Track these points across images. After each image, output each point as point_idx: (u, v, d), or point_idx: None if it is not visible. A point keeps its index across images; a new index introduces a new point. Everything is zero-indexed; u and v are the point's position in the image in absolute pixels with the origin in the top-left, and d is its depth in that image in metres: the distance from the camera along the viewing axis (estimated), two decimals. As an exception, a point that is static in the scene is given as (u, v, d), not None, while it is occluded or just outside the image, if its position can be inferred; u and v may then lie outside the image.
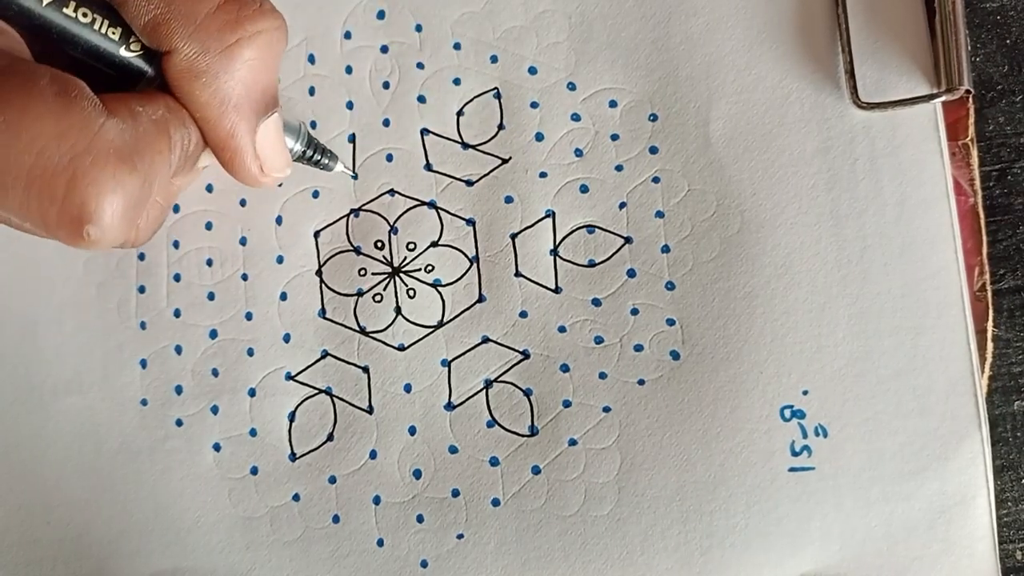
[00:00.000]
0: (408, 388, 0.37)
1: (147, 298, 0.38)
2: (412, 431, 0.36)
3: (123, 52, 0.29)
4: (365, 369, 0.37)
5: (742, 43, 0.36)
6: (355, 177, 0.37)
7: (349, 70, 0.38)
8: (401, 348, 0.37)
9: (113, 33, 0.29)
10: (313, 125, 0.38)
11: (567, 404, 0.36)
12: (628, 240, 0.36)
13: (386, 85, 0.38)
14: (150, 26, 0.28)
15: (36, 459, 0.38)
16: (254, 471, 0.37)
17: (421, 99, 0.38)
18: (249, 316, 0.38)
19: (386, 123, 0.38)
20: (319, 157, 0.35)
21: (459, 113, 0.37)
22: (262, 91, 0.30)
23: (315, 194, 0.38)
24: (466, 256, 0.37)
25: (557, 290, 0.36)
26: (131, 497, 0.37)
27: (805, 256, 0.35)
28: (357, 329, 0.37)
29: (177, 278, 0.38)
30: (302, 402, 0.37)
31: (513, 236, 0.37)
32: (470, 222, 0.37)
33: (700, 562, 0.35)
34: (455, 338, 0.37)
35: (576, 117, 0.37)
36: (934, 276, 0.35)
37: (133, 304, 0.38)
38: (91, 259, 0.39)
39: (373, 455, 0.37)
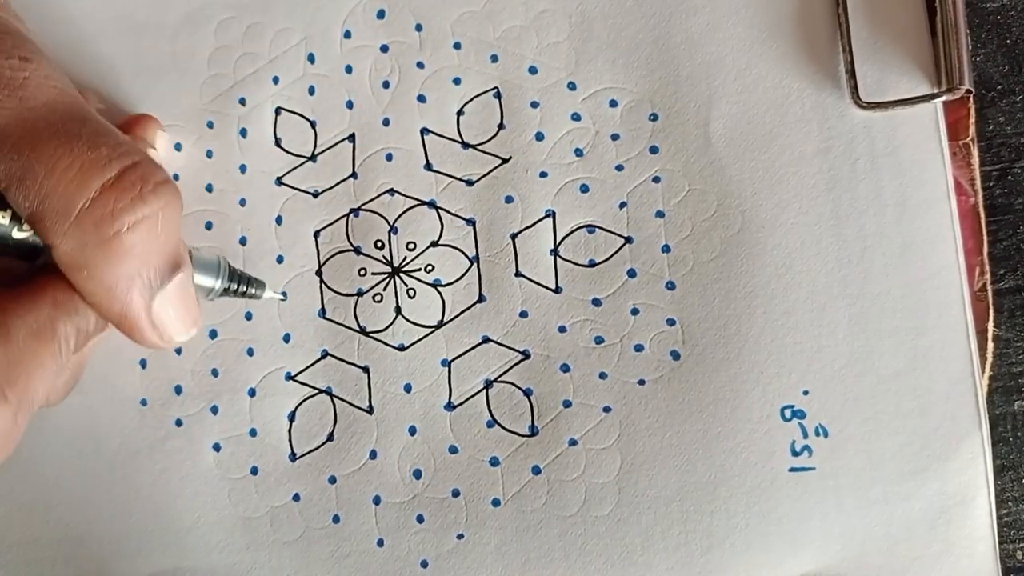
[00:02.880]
0: (408, 388, 0.37)
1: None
2: (412, 431, 0.36)
3: (16, 234, 0.28)
4: (365, 369, 0.37)
5: (743, 42, 0.36)
6: (284, 298, 0.37)
7: (349, 69, 0.38)
8: (401, 348, 0.37)
9: (3, 218, 0.28)
10: (312, 125, 0.38)
11: (567, 404, 0.36)
12: (628, 240, 0.36)
13: (386, 84, 0.38)
14: (30, 221, 0.28)
15: (36, 459, 0.38)
16: (254, 471, 0.37)
17: (421, 99, 0.38)
18: (249, 316, 0.38)
19: (386, 123, 0.38)
20: (245, 288, 0.35)
21: (459, 113, 0.37)
22: (155, 266, 0.29)
23: (315, 194, 0.38)
24: (466, 256, 0.37)
25: (557, 290, 0.36)
26: (131, 497, 0.37)
27: (806, 256, 0.35)
28: (357, 329, 0.37)
29: (177, 278, 0.38)
30: (302, 402, 0.37)
31: (513, 236, 0.37)
32: (470, 222, 0.37)
33: (700, 562, 0.35)
34: (455, 338, 0.37)
35: (576, 117, 0.37)
36: (935, 276, 0.35)
37: (133, 304, 0.38)
38: (90, 259, 0.38)
39: (373, 455, 0.37)
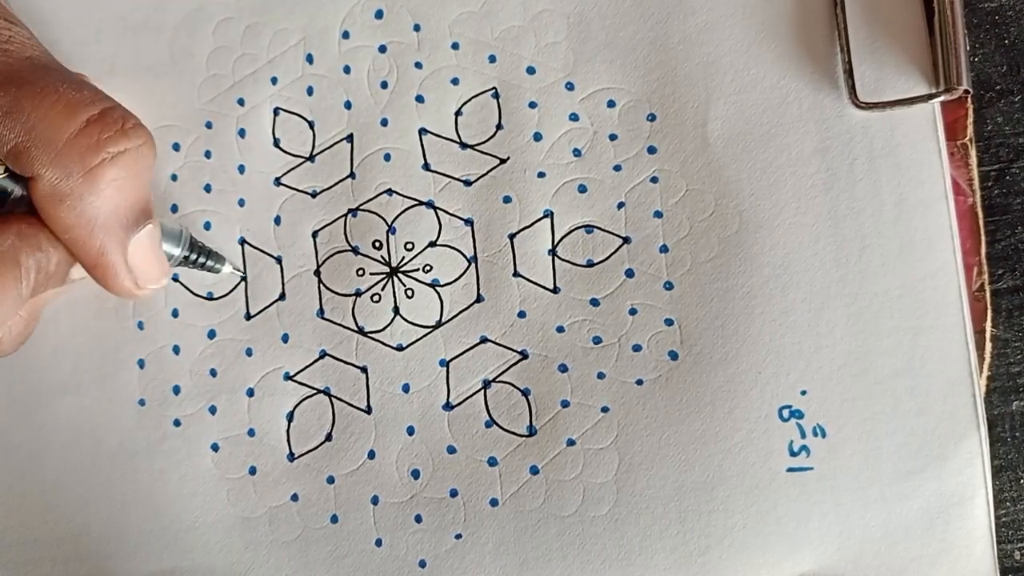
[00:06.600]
0: (406, 388, 0.37)
1: (145, 298, 0.38)
2: (410, 431, 0.36)
3: None
4: (363, 369, 0.37)
5: (740, 43, 0.36)
6: (244, 278, 0.37)
7: (347, 70, 0.38)
8: (399, 348, 0.37)
9: None
10: (311, 125, 0.38)
11: (565, 404, 0.36)
12: (626, 240, 0.36)
13: (384, 85, 0.38)
14: (12, 154, 0.29)
15: (34, 459, 0.38)
16: (252, 471, 0.37)
17: (419, 99, 0.38)
18: (248, 316, 0.38)
19: (384, 123, 0.38)
20: (204, 260, 0.35)
21: (457, 113, 0.37)
22: (131, 207, 0.31)
23: (313, 194, 0.38)
24: (464, 256, 0.37)
25: (555, 290, 0.36)
26: (129, 497, 0.37)
27: (803, 256, 0.35)
28: (355, 329, 0.37)
29: (175, 278, 0.38)
30: (300, 402, 0.37)
31: (511, 236, 0.37)
32: (468, 222, 0.37)
33: (699, 562, 0.35)
34: (453, 338, 0.37)
35: (574, 117, 0.37)
36: (932, 276, 0.35)
37: (131, 304, 0.38)
38: (89, 259, 0.39)
39: (371, 455, 0.37)
